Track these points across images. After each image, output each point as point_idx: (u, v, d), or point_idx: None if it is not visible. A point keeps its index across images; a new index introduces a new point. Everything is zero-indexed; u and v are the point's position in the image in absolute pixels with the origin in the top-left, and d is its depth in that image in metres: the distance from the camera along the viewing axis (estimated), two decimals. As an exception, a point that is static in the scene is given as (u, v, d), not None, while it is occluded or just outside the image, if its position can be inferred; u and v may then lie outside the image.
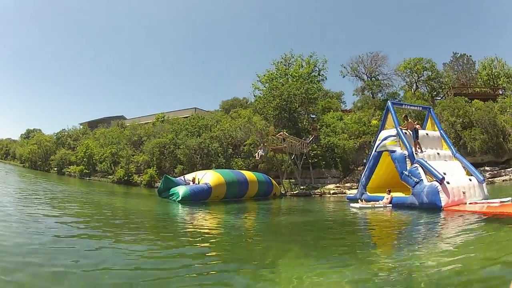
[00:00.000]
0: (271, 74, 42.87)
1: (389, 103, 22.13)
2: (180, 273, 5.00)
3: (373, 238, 9.46)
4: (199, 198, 19.96)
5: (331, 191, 29.50)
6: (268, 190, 25.69)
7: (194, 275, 4.94)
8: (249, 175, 23.84)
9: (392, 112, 20.96)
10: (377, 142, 20.99)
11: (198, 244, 7.63)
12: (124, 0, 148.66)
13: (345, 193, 28.08)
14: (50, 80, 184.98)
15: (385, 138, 20.25)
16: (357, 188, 26.52)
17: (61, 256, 5.47)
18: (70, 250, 6.03)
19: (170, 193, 20.53)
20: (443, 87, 42.64)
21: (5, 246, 5.75)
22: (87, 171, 46.27)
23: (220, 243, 8.01)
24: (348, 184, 30.94)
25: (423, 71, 43.14)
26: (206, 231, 9.95)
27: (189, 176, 23.28)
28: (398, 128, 19.69)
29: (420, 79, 43.81)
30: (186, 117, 46.14)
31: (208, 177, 21.23)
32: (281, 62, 43.75)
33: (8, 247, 5.68)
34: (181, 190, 19.86)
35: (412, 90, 43.34)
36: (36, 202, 14.16)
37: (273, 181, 27.23)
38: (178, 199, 19.28)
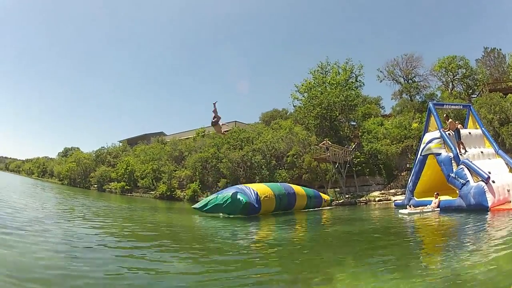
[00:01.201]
0: (309, 83, 43.94)
1: (430, 104, 22.85)
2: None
3: (423, 245, 9.60)
4: (254, 209, 18.94)
5: (376, 199, 30.37)
6: (318, 203, 25.56)
7: None
8: (297, 188, 23.77)
9: (434, 113, 21.65)
10: (422, 146, 21.64)
11: (248, 258, 7.68)
12: (164, 19, 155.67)
13: (390, 199, 28.99)
14: (87, 99, 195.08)
15: (430, 141, 20.85)
16: (402, 194, 27.54)
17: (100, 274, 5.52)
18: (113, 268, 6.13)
19: (220, 200, 19.21)
20: (478, 84, 42.85)
21: (41, 264, 5.76)
22: (128, 187, 49.48)
23: (272, 256, 8.06)
24: (392, 191, 31.56)
25: (458, 69, 43.53)
26: (256, 244, 10.15)
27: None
28: (441, 130, 20.34)
29: (455, 77, 44.23)
30: (227, 131, 47.72)
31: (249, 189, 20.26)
32: (318, 70, 44.67)
33: (45, 264, 5.71)
34: (240, 196, 18.73)
35: (449, 89, 43.71)
36: (76, 218, 14.55)
37: (323, 195, 27.26)
38: (240, 204, 18.31)
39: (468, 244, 8.95)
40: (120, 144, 69.79)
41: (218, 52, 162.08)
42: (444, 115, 22.02)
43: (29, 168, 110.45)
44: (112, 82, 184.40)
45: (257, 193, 19.40)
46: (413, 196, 21.75)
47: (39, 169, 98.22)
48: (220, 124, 16.92)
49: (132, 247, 8.54)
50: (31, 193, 30.19)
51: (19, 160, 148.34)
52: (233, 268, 6.51)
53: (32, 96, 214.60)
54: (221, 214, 19.42)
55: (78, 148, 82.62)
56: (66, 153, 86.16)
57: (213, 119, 16.14)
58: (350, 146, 35.72)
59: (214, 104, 15.89)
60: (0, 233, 7.95)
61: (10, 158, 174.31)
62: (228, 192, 19.58)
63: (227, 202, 18.82)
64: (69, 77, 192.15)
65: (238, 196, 18.60)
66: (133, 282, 5.30)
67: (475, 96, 41.77)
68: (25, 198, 23.06)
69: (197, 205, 20.94)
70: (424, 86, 46.53)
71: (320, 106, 37.22)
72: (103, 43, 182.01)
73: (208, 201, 19.99)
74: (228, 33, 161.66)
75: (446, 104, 25.82)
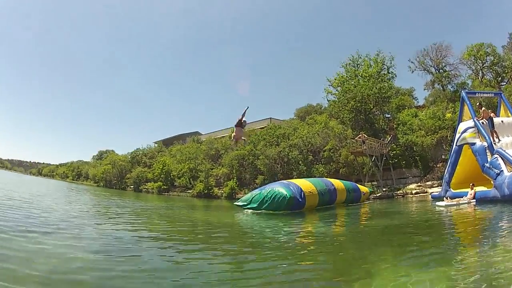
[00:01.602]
0: (342, 77, 44.23)
1: (463, 93, 22.89)
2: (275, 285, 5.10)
3: (460, 238, 9.55)
4: (298, 205, 18.72)
5: (413, 191, 30.55)
6: (357, 197, 25.46)
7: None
8: (336, 183, 23.69)
9: (467, 102, 21.68)
10: (457, 136, 21.65)
11: (290, 254, 7.71)
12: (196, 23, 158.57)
13: (426, 192, 29.14)
14: (122, 102, 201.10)
15: (464, 131, 20.88)
16: (438, 186, 27.56)
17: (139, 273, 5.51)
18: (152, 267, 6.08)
19: (264, 196, 18.88)
20: (506, 71, 42.45)
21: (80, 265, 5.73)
22: (165, 187, 51.38)
23: (314, 251, 8.12)
24: (429, 183, 31.62)
25: (486, 56, 43.04)
26: (298, 239, 10.21)
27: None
28: (475, 119, 20.37)
29: (484, 65, 43.73)
30: (262, 128, 49.35)
31: (294, 184, 20.10)
32: (349, 63, 44.71)
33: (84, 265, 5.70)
34: (283, 189, 18.59)
35: (479, 77, 43.38)
36: (113, 217, 14.69)
37: (361, 187, 27.07)
38: (285, 200, 18.06)
39: (503, 236, 8.97)
40: (156, 145, 72.16)
41: (250, 50, 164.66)
42: (477, 103, 22.31)
43: (63, 172, 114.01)
44: (144, 84, 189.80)
45: (301, 188, 19.26)
46: (449, 188, 21.81)
47: (73, 173, 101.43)
48: (242, 130, 17.12)
49: (170, 245, 8.61)
50: (66, 195, 31.05)
51: (53, 165, 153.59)
52: (273, 263, 6.62)
53: (64, 102, 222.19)
54: (256, 210, 19.09)
55: (113, 150, 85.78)
56: (101, 156, 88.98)
57: (238, 121, 16.18)
58: (386, 139, 35.97)
59: (246, 110, 16.52)
60: (34, 234, 8.05)
61: (43, 163, 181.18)
62: (272, 188, 19.32)
63: (271, 198, 18.54)
64: (100, 80, 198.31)
65: (283, 192, 18.37)
66: (171, 278, 5.39)
67: (504, 83, 41.63)
68: (60, 200, 23.42)
69: (239, 202, 20.77)
70: (455, 75, 46.44)
71: (354, 100, 37.56)
72: (133, 43, 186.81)
73: (252, 198, 19.65)
74: (257, 30, 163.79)
75: (478, 93, 25.78)
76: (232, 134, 17.22)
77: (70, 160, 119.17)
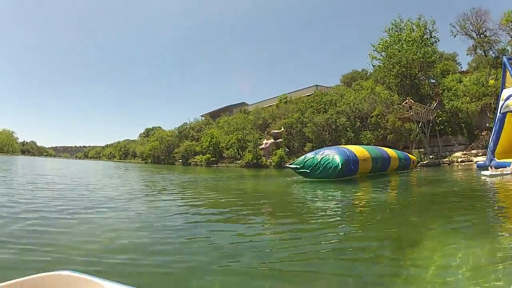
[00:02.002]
0: (385, 42, 43.20)
1: (504, 59, 22.11)
2: (325, 254, 5.03)
3: (503, 208, 9.37)
4: (350, 172, 18.69)
5: (459, 159, 30.90)
6: (407, 165, 25.98)
7: (341, 257, 4.86)
8: (390, 152, 24.19)
9: (509, 68, 20.87)
10: (500, 103, 20.87)
11: (339, 221, 7.76)
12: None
13: (472, 161, 29.55)
14: (166, 79, 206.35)
15: (507, 98, 20.08)
16: (483, 155, 27.68)
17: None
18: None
19: (317, 162, 18.52)
20: None
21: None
22: (213, 158, 53.70)
23: (364, 218, 8.13)
24: (474, 151, 31.86)
25: None
26: (348, 207, 10.19)
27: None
28: None
29: None
30: (309, 95, 50.02)
31: (349, 150, 19.91)
32: (392, 28, 43.73)
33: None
34: (337, 157, 18.06)
35: None
36: (161, 191, 14.73)
37: (410, 156, 27.48)
38: (337, 169, 17.74)
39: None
40: (203, 118, 74.09)
41: (292, 18, 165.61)
42: None
43: (110, 152, 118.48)
44: (189, 57, 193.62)
45: (355, 154, 19.29)
46: (494, 157, 21.11)
47: (120, 152, 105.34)
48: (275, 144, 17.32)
49: (220, 213, 8.75)
50: (114, 173, 31.28)
51: (99, 147, 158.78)
52: (323, 231, 6.52)
53: (106, 83, 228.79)
54: (306, 177, 19.12)
55: (159, 127, 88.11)
56: (147, 133, 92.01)
57: (276, 136, 17.22)
58: (432, 105, 36.22)
59: (282, 131, 17.05)
60: (80, 210, 8.37)
61: (89, 146, 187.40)
62: (328, 154, 18.66)
63: (324, 165, 18.22)
64: (143, 58, 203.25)
65: (336, 160, 17.95)
66: (213, 244, 5.52)
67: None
68: (109, 177, 24.06)
69: (292, 165, 20.33)
70: (495, 41, 45.33)
71: (399, 64, 37.90)
72: (179, 17, 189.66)
73: (305, 161, 19.23)
74: None
75: None
76: (264, 142, 17.86)
77: (117, 141, 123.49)
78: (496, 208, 9.16)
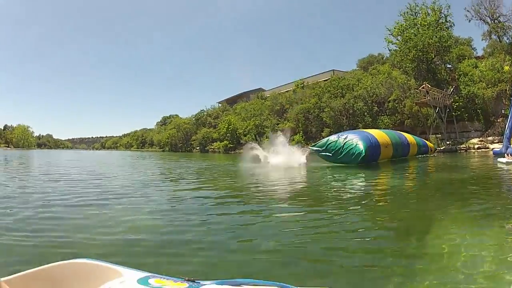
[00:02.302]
0: (401, 25, 43.17)
1: None
2: (339, 236, 5.05)
3: None
4: (372, 158, 18.79)
5: (476, 146, 31.04)
6: (425, 151, 26.14)
7: (355, 239, 4.94)
8: (410, 138, 24.18)
9: None
10: None
11: (358, 206, 7.71)
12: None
13: (488, 147, 29.49)
14: (182, 67, 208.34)
15: None
16: (499, 142, 26.99)
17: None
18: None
19: (340, 146, 18.43)
20: None
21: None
22: (231, 145, 54.31)
23: (382, 202, 8.26)
24: (490, 138, 31.75)
25: None
26: (367, 192, 10.23)
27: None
28: None
29: None
30: (325, 80, 49.79)
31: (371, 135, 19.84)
32: (407, 12, 43.55)
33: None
34: (360, 143, 17.95)
35: None
36: (178, 179, 14.48)
37: (428, 143, 27.59)
38: (360, 156, 17.69)
39: None
40: (220, 105, 73.99)
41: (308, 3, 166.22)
42: None
43: (127, 142, 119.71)
44: (205, 45, 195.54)
45: (377, 140, 19.23)
46: (510, 144, 20.37)
47: (137, 141, 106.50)
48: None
49: (236, 204, 8.39)
50: (132, 162, 31.17)
51: (116, 136, 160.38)
52: (340, 218, 6.47)
53: (122, 74, 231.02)
54: (328, 160, 19.21)
55: (177, 115, 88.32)
56: (164, 121, 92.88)
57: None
58: (448, 90, 36.15)
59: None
60: (97, 200, 8.19)
61: (106, 136, 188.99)
62: (351, 139, 18.45)
63: (347, 150, 18.18)
64: (158, 46, 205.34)
65: (360, 147, 17.84)
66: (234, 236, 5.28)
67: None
68: (126, 167, 24.07)
69: (314, 147, 20.27)
70: (509, 26, 43.66)
71: (416, 48, 37.68)
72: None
73: (327, 144, 19.16)
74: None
75: None
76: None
77: (134, 130, 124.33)
78: (508, 196, 8.86)
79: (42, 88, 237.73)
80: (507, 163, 16.47)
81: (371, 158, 18.46)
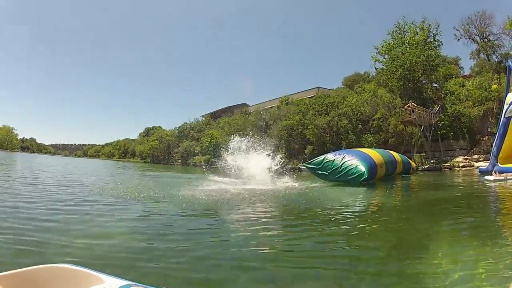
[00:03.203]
0: (389, 44, 43.88)
1: (509, 62, 22.09)
2: (329, 262, 4.93)
3: (507, 215, 9.46)
4: (371, 178, 18.36)
5: (460, 164, 30.54)
6: (408, 169, 25.90)
7: (346, 261, 4.91)
8: (396, 155, 24.18)
9: None
10: (505, 107, 20.52)
11: (342, 227, 7.61)
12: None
13: (473, 166, 29.08)
14: (167, 79, 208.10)
15: None
16: (484, 160, 27.32)
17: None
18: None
19: (338, 166, 18.28)
20: None
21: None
22: (213, 159, 52.76)
23: (370, 224, 8.10)
24: (475, 156, 31.41)
25: None
26: (353, 212, 10.13)
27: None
28: None
29: None
30: (310, 97, 49.96)
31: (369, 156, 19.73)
32: (396, 30, 44.41)
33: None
34: (361, 167, 17.71)
35: None
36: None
37: (410, 161, 27.54)
38: (361, 177, 17.36)
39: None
40: (203, 118, 73.69)
41: (294, 19, 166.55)
42: None
43: (109, 151, 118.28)
44: (190, 58, 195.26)
45: (374, 161, 19.02)
46: (497, 162, 20.92)
47: (119, 151, 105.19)
48: None
49: (216, 219, 8.84)
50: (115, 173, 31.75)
51: (98, 145, 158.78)
52: (329, 238, 6.49)
53: (108, 81, 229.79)
54: (323, 179, 19.02)
55: (160, 126, 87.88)
56: (147, 132, 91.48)
57: None
58: (434, 109, 35.96)
59: None
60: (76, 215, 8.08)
61: (88, 144, 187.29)
62: (350, 160, 18.29)
63: (346, 170, 17.92)
64: (142, 58, 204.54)
65: (361, 169, 17.59)
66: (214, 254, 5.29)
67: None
68: (107, 178, 24.05)
69: (310, 164, 20.01)
70: (499, 45, 44.86)
71: (403, 67, 37.46)
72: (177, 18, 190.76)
73: (323, 163, 18.98)
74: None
75: None
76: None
77: (116, 139, 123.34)
78: (498, 218, 8.95)
79: (28, 90, 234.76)
80: (495, 181, 17.00)
81: (370, 179, 18.12)
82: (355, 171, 17.56)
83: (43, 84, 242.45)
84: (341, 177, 18.01)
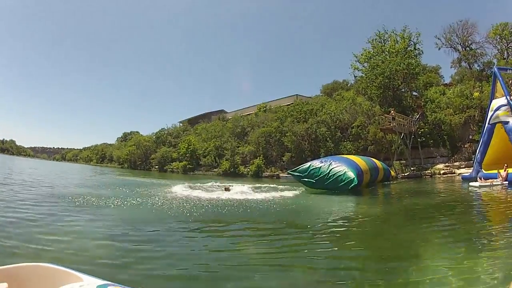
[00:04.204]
0: (368, 52, 44.16)
1: (495, 69, 22.13)
2: (324, 275, 4.93)
3: (492, 222, 9.57)
4: (359, 184, 18.18)
5: (441, 171, 30.29)
6: (388, 176, 25.72)
7: (338, 270, 4.96)
8: (377, 162, 24.21)
9: (500, 78, 20.70)
10: (489, 113, 20.77)
11: (327, 235, 7.67)
12: None
13: (454, 173, 28.97)
14: (144, 84, 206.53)
15: (497, 109, 20.09)
16: (465, 167, 27.51)
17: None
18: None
19: (324, 174, 18.19)
20: None
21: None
22: (190, 166, 52.19)
23: (356, 233, 8.17)
24: (457, 163, 31.32)
25: (510, 36, 41.53)
26: (335, 220, 10.07)
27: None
28: (508, 97, 19.58)
29: (509, 45, 42.32)
30: (288, 104, 49.25)
31: (355, 163, 19.76)
32: (376, 39, 44.72)
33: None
34: (350, 173, 17.62)
35: (504, 57, 41.88)
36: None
37: (389, 169, 27.65)
38: (351, 184, 17.24)
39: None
40: (181, 124, 72.88)
41: (274, 26, 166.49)
42: (510, 81, 21.48)
43: (87, 155, 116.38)
44: (169, 65, 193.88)
45: (361, 168, 19.01)
46: (481, 168, 21.05)
47: (97, 156, 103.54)
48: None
49: (197, 227, 8.80)
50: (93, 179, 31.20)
51: (76, 149, 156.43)
52: (315, 246, 6.57)
53: (86, 85, 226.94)
54: (309, 186, 18.83)
55: (137, 132, 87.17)
56: (125, 137, 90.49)
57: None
58: (414, 116, 35.75)
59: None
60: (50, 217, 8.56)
61: (67, 148, 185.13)
62: (338, 167, 18.15)
63: (335, 178, 17.74)
64: (121, 63, 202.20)
65: (350, 175, 17.43)
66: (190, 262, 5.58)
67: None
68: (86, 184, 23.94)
69: (295, 172, 19.76)
70: (481, 54, 45.10)
71: (382, 75, 37.07)
72: (158, 27, 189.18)
73: (309, 171, 18.78)
74: (279, 6, 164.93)
75: (509, 69, 24.71)
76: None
77: (94, 144, 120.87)
78: (483, 224, 9.10)
79: (7, 91, 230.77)
80: (480, 187, 17.36)
81: (359, 185, 18.07)
82: (344, 178, 17.45)
83: (22, 84, 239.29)
84: (330, 184, 17.88)
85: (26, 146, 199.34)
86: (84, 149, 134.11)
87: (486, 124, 21.12)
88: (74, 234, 6.75)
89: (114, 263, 5.16)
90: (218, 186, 21.16)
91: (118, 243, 6.51)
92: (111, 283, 2.77)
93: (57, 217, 8.55)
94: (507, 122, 19.49)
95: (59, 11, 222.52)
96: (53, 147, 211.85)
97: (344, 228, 8.71)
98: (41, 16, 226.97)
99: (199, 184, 21.45)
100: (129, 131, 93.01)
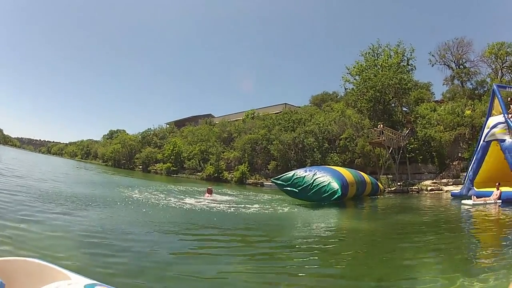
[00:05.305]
0: (361, 65, 43.55)
1: (494, 86, 21.63)
2: None
3: (484, 240, 9.34)
4: (344, 196, 17.75)
5: (428, 188, 29.96)
6: (376, 190, 25.16)
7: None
8: (365, 176, 23.80)
9: (498, 96, 20.29)
10: (485, 131, 20.33)
11: (311, 253, 7.35)
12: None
13: (442, 190, 28.64)
14: (134, 83, 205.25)
15: (494, 126, 19.64)
16: (453, 184, 27.11)
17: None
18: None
19: (308, 184, 17.42)
20: None
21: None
22: (174, 168, 51.41)
23: (340, 250, 7.89)
24: (444, 180, 31.09)
25: (506, 56, 41.22)
26: (321, 235, 9.79)
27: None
28: (506, 116, 19.19)
29: (504, 65, 41.90)
30: (277, 113, 48.77)
31: (341, 174, 19.20)
32: (369, 53, 44.20)
33: None
34: (335, 184, 17.12)
35: (498, 77, 41.43)
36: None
37: (378, 183, 26.82)
38: (334, 195, 16.73)
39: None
40: (167, 126, 72.35)
41: (266, 34, 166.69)
42: (509, 98, 21.09)
43: (72, 150, 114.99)
44: (160, 66, 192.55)
45: (346, 179, 18.48)
46: (473, 186, 20.77)
47: (82, 151, 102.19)
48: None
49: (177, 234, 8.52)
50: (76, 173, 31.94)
51: (62, 143, 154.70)
52: (298, 261, 6.41)
53: (77, 80, 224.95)
54: (292, 196, 18.06)
55: (124, 130, 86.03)
56: (111, 135, 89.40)
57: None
58: (404, 132, 35.19)
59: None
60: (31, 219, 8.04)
61: (53, 142, 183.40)
62: (322, 177, 17.53)
63: (318, 188, 17.11)
64: (113, 61, 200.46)
65: (334, 186, 16.92)
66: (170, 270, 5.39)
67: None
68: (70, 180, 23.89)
69: (278, 180, 18.81)
70: (475, 72, 45.11)
71: (374, 89, 36.73)
72: (148, 27, 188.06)
73: (293, 180, 17.92)
74: (273, 15, 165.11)
75: (509, 87, 24.61)
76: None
77: (80, 139, 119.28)
78: (474, 243, 9.01)
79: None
80: (474, 205, 16.74)
81: (343, 197, 17.63)
82: (328, 189, 16.89)
83: (10, 74, 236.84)
84: (313, 195, 17.21)
85: (13, 136, 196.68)
86: (70, 143, 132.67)
87: (481, 142, 20.77)
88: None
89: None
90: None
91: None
92: (99, 282, 2.74)
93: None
94: (503, 140, 19.08)
95: (51, 6, 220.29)
96: (40, 139, 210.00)
97: (327, 244, 8.39)
98: (31, 11, 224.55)
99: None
100: (115, 129, 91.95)
